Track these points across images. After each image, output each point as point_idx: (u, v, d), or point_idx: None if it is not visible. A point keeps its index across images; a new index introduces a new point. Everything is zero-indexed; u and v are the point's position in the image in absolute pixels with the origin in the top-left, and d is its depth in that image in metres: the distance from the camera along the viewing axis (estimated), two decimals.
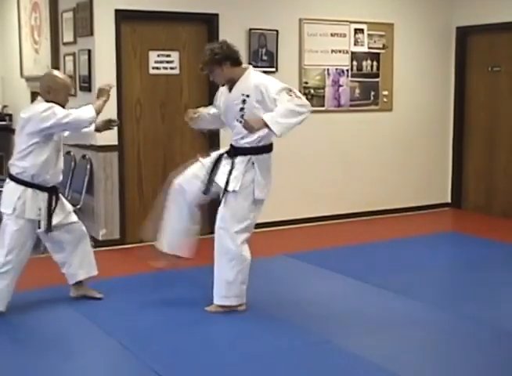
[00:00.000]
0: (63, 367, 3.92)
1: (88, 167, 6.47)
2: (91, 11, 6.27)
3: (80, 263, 4.89)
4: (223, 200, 4.63)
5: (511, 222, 7.63)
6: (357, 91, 7.63)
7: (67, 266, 4.88)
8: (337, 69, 7.47)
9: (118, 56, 6.36)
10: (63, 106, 4.64)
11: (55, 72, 4.94)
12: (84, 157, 6.55)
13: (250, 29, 6.90)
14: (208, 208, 5.19)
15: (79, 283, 4.96)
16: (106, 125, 5.00)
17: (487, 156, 8.06)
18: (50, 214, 4.65)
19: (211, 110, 4.92)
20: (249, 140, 4.60)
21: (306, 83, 7.28)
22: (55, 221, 4.69)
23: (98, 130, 4.95)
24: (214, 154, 4.77)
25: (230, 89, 4.65)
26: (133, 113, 6.57)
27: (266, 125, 4.33)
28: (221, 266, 4.67)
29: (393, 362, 3.93)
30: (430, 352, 4.10)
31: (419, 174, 8.17)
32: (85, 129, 4.78)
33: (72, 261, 4.86)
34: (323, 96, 7.40)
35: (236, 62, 4.64)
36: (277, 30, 7.04)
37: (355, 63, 7.58)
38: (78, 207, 6.15)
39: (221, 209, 4.65)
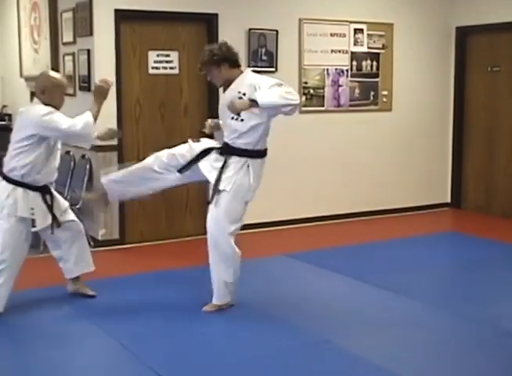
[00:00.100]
0: (63, 367, 3.92)
1: (88, 167, 6.46)
2: (90, 11, 6.27)
3: (76, 260, 4.92)
4: (214, 200, 4.62)
5: (511, 222, 7.63)
6: (357, 91, 7.62)
7: (64, 262, 4.92)
8: (336, 69, 7.47)
9: (118, 55, 6.36)
10: (59, 107, 4.65)
11: (50, 72, 4.93)
12: (83, 156, 6.54)
13: (250, 29, 6.90)
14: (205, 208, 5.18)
15: (75, 279, 5.00)
16: (109, 136, 5.00)
17: (487, 156, 8.06)
18: (52, 211, 4.68)
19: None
20: (245, 141, 4.59)
21: (306, 83, 7.28)
22: (50, 220, 4.70)
23: (99, 138, 4.94)
24: (206, 144, 4.71)
25: (225, 90, 4.67)
26: (132, 113, 6.56)
27: (251, 101, 4.31)
28: (217, 267, 4.69)
29: (393, 362, 3.92)
30: (430, 352, 4.10)
31: (418, 174, 8.17)
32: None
33: (68, 257, 4.90)
34: (323, 96, 7.40)
35: (235, 64, 4.65)
36: (277, 30, 7.04)
37: (354, 63, 7.57)
38: (78, 207, 6.14)
39: (212, 209, 4.64)
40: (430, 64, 8.12)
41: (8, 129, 8.49)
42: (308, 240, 6.88)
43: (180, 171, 4.67)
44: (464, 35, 8.09)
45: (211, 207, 4.65)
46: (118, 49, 6.35)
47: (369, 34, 7.62)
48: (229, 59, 4.61)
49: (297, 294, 5.16)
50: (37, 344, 4.22)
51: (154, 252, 6.40)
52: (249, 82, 4.53)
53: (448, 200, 8.43)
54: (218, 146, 4.68)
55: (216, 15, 6.72)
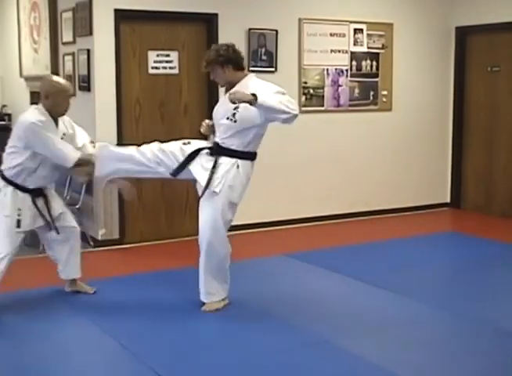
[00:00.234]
0: (63, 367, 3.92)
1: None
2: (90, 11, 6.26)
3: (64, 263, 4.96)
4: (206, 202, 4.61)
5: (510, 221, 7.63)
6: (356, 91, 7.63)
7: (57, 262, 4.97)
8: (336, 69, 7.47)
9: (117, 55, 6.35)
10: (63, 112, 4.66)
11: (54, 77, 4.96)
12: None
13: (250, 29, 6.90)
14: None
15: (72, 280, 5.04)
16: (84, 172, 4.85)
17: (486, 156, 8.06)
18: (42, 215, 4.71)
19: None
20: (236, 142, 4.59)
21: (305, 83, 7.28)
22: (41, 222, 4.75)
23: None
24: (197, 145, 4.69)
25: (227, 91, 4.67)
26: (132, 113, 6.56)
27: (252, 95, 4.30)
28: (214, 268, 4.70)
29: (393, 362, 3.93)
30: (430, 352, 4.10)
31: (418, 174, 8.17)
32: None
33: (60, 259, 4.95)
34: (323, 96, 7.40)
35: (239, 67, 4.67)
36: (276, 30, 7.04)
37: (354, 62, 7.57)
38: (77, 207, 6.15)
39: (205, 210, 4.64)
40: (430, 64, 8.12)
41: (7, 129, 8.50)
42: (307, 240, 6.88)
43: (173, 174, 4.68)
44: (464, 35, 8.09)
45: (202, 208, 4.64)
46: (118, 49, 6.35)
47: (368, 34, 7.62)
48: (234, 62, 4.63)
49: (296, 294, 5.16)
50: (36, 344, 4.22)
51: (154, 252, 6.40)
52: (252, 86, 4.52)
53: (448, 200, 8.44)
54: (208, 146, 4.67)
55: (216, 15, 6.73)
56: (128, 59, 6.47)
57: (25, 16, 7.91)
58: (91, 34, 6.31)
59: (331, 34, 7.40)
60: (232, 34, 6.53)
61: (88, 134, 5.07)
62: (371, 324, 4.54)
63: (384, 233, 7.18)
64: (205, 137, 5.00)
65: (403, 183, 8.06)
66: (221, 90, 4.86)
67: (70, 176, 6.57)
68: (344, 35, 7.48)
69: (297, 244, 6.69)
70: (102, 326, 4.48)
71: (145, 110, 6.63)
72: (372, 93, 7.72)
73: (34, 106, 4.76)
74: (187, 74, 6.74)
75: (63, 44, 6.95)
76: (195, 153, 4.63)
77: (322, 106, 7.41)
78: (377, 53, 7.71)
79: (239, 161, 4.61)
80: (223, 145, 4.61)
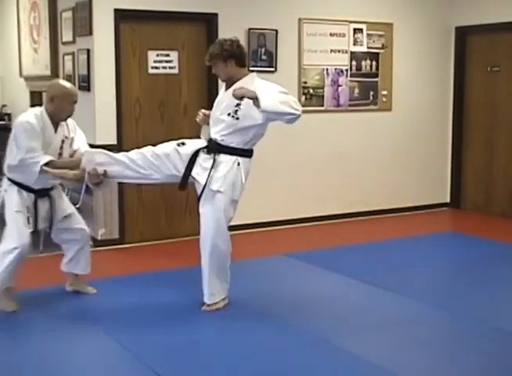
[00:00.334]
0: (62, 367, 3.92)
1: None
2: (90, 10, 6.26)
3: (70, 259, 4.97)
4: (207, 201, 4.60)
5: (510, 221, 7.64)
6: (356, 91, 7.62)
7: (65, 256, 5.00)
8: (336, 69, 7.47)
9: (117, 55, 6.35)
10: (66, 116, 4.68)
11: (60, 81, 4.99)
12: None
13: (250, 29, 6.90)
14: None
15: (74, 278, 5.05)
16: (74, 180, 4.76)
17: (486, 156, 8.06)
18: (35, 216, 4.71)
19: None
20: (236, 140, 4.59)
21: (305, 83, 7.28)
22: (45, 223, 4.77)
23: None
24: (192, 146, 4.65)
25: (227, 87, 4.67)
26: (132, 113, 6.56)
27: (255, 98, 4.30)
28: (217, 267, 4.70)
29: (393, 362, 3.93)
30: (430, 352, 4.10)
31: (418, 174, 8.17)
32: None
33: (69, 254, 4.97)
34: (322, 96, 7.40)
35: (242, 63, 4.68)
36: (276, 30, 7.04)
37: (354, 62, 7.57)
38: (77, 206, 6.14)
39: (207, 210, 4.62)
40: (430, 64, 8.12)
41: (7, 129, 8.50)
42: (307, 240, 6.88)
43: (181, 187, 4.67)
44: (464, 35, 8.09)
45: (206, 210, 4.62)
46: (118, 49, 6.35)
47: (368, 34, 7.62)
48: (238, 57, 4.64)
49: (296, 294, 5.16)
50: (36, 344, 4.22)
51: (154, 252, 6.40)
52: (255, 85, 4.51)
53: (448, 200, 8.44)
54: (203, 145, 4.65)
55: (216, 14, 6.72)
56: (127, 58, 6.47)
57: (25, 16, 7.91)
58: (91, 33, 6.30)
59: (331, 34, 7.40)
60: (231, 33, 6.44)
61: (88, 134, 5.08)
62: (371, 324, 4.54)
63: (384, 233, 7.18)
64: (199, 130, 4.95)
65: (403, 183, 8.06)
66: (221, 88, 4.85)
67: None
68: (343, 35, 7.48)
69: (297, 243, 6.69)
70: (102, 326, 4.48)
71: (145, 109, 6.63)
72: (372, 93, 7.72)
73: (34, 108, 4.77)
74: (187, 73, 6.74)
75: (63, 44, 6.95)
76: (194, 157, 4.62)
77: (322, 106, 7.41)
78: (377, 53, 7.71)
79: (240, 159, 4.61)
80: (222, 142, 4.60)
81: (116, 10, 6.29)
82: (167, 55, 6.64)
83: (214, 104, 4.77)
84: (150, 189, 6.64)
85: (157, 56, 6.59)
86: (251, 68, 6.66)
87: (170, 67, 6.67)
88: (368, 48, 7.64)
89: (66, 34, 6.81)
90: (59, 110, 4.62)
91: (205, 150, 4.62)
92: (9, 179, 4.69)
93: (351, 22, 7.50)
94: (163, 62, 6.63)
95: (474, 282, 5.50)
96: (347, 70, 7.54)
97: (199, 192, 4.66)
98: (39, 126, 4.56)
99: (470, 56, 8.13)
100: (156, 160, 4.61)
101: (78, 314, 4.71)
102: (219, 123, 4.62)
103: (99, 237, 6.43)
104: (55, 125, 4.69)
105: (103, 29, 6.28)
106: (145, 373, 3.81)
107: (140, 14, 6.44)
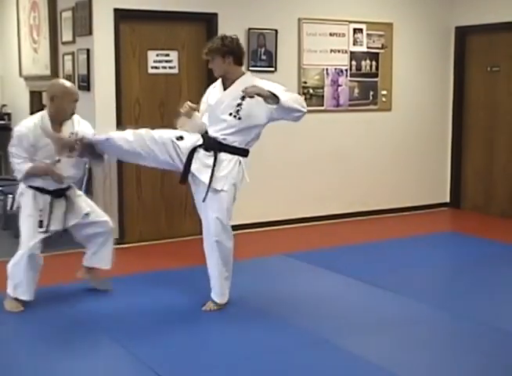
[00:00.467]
0: (63, 367, 3.92)
1: (87, 166, 6.44)
2: (90, 10, 6.26)
3: (91, 253, 5.04)
4: (210, 200, 4.59)
5: (510, 221, 7.64)
6: (356, 90, 7.63)
7: (87, 251, 5.09)
8: (335, 69, 7.47)
9: (117, 55, 6.35)
10: (67, 115, 4.71)
11: (60, 80, 5.05)
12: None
13: (249, 28, 6.90)
14: None
15: (91, 271, 5.12)
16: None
17: (486, 156, 8.07)
18: (49, 216, 4.75)
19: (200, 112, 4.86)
20: (239, 139, 4.59)
21: (305, 83, 7.28)
22: (72, 222, 4.85)
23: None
24: (189, 141, 4.62)
25: (226, 87, 4.67)
26: (132, 113, 6.56)
27: (268, 95, 4.34)
28: (225, 263, 4.70)
29: (392, 362, 3.93)
30: (430, 352, 4.10)
31: (418, 174, 8.17)
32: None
33: (91, 248, 5.05)
34: (322, 96, 7.40)
35: (239, 61, 4.69)
36: (276, 30, 7.04)
37: (354, 62, 7.57)
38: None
39: (210, 211, 4.61)
40: (430, 64, 8.12)
41: (7, 129, 8.50)
42: (306, 239, 6.88)
43: (182, 182, 4.68)
44: (464, 35, 8.10)
45: (209, 211, 4.61)
46: (118, 49, 6.35)
47: (368, 34, 7.62)
48: (236, 55, 4.66)
49: (295, 294, 5.16)
50: (34, 343, 4.22)
51: (153, 252, 6.40)
52: (255, 84, 4.52)
53: (448, 199, 8.44)
54: (200, 142, 4.63)
55: (216, 14, 6.72)
56: (127, 58, 6.47)
57: (25, 16, 7.90)
58: (90, 33, 6.30)
59: (331, 34, 7.40)
60: (231, 33, 6.51)
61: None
62: (371, 324, 4.54)
63: (384, 232, 7.18)
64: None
65: (403, 183, 8.06)
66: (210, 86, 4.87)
67: None
68: (343, 35, 7.48)
69: (297, 243, 6.69)
70: (102, 326, 4.48)
71: (144, 109, 6.63)
72: (371, 93, 7.72)
73: (36, 114, 4.82)
74: (187, 73, 6.74)
75: (63, 43, 6.95)
76: (192, 153, 4.61)
77: (322, 105, 7.41)
78: (377, 53, 7.71)
79: (241, 158, 4.63)
80: (224, 141, 4.60)
81: (116, 10, 6.29)
82: (167, 55, 6.64)
83: (208, 101, 4.75)
84: (150, 189, 6.65)
85: (157, 55, 6.59)
86: (251, 68, 6.70)
87: (170, 67, 6.67)
88: (368, 48, 7.64)
89: (66, 34, 6.81)
90: (60, 109, 4.65)
91: (203, 146, 4.61)
92: (25, 184, 4.78)
93: (350, 22, 7.50)
94: (163, 62, 6.63)
95: (474, 282, 5.50)
96: (347, 70, 7.54)
97: (194, 188, 4.69)
98: (33, 130, 4.64)
99: (469, 56, 8.13)
100: (153, 145, 4.59)
101: (78, 314, 4.71)
102: (220, 122, 4.62)
103: None
104: (60, 125, 4.72)
105: (103, 29, 6.28)
106: (145, 373, 3.81)
107: (140, 14, 6.44)
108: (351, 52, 7.55)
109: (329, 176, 7.58)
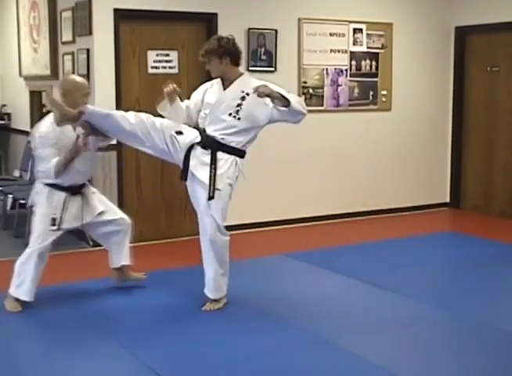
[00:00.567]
0: (63, 367, 3.91)
1: None
2: (89, 10, 6.26)
3: (112, 253, 5.12)
4: (210, 202, 4.60)
5: (510, 221, 7.64)
6: (356, 90, 7.63)
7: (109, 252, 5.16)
8: (335, 69, 7.47)
9: (117, 55, 6.35)
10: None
11: (72, 76, 5.16)
12: None
13: (249, 28, 6.90)
14: None
15: (119, 271, 5.16)
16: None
17: (486, 156, 8.07)
18: (61, 214, 4.78)
19: (185, 102, 4.86)
20: (237, 140, 4.60)
21: (305, 83, 7.28)
22: (86, 220, 4.88)
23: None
24: (188, 136, 4.62)
25: (225, 87, 4.68)
26: None
27: (278, 97, 4.40)
28: (216, 264, 4.71)
29: (392, 362, 3.93)
30: (430, 351, 4.10)
31: (417, 174, 8.17)
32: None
33: (110, 249, 5.13)
34: (322, 96, 7.40)
35: (236, 61, 4.70)
36: (276, 30, 7.04)
37: (353, 62, 7.58)
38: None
39: (210, 211, 4.61)
40: (430, 64, 8.12)
41: (7, 128, 8.51)
42: (306, 239, 6.88)
43: (183, 179, 4.68)
44: (463, 35, 8.10)
45: (210, 209, 4.61)
46: (117, 49, 6.35)
47: (368, 34, 7.62)
48: (233, 55, 4.66)
49: (295, 294, 5.16)
50: (35, 343, 4.22)
51: (153, 252, 6.40)
52: (254, 85, 4.54)
53: (447, 199, 8.44)
54: (198, 139, 4.62)
55: (215, 14, 6.72)
56: (127, 58, 6.47)
57: (24, 16, 7.91)
58: (90, 33, 6.30)
59: (331, 34, 7.40)
60: (231, 33, 6.50)
61: None
62: (371, 324, 4.54)
63: (384, 232, 7.18)
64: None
65: (402, 183, 8.07)
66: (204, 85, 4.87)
67: None
68: (343, 35, 7.48)
69: (296, 243, 6.69)
70: (102, 326, 4.48)
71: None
72: (371, 93, 7.72)
73: (49, 115, 4.82)
74: (187, 73, 6.73)
75: (63, 43, 6.95)
76: (189, 150, 4.62)
77: (322, 105, 7.41)
78: (377, 53, 7.71)
79: (238, 159, 4.64)
80: (222, 141, 4.60)
81: (115, 10, 6.29)
82: (167, 55, 6.64)
83: (206, 100, 4.74)
84: (150, 189, 6.65)
85: (157, 55, 6.59)
86: (251, 68, 6.71)
87: (170, 67, 6.67)
88: (368, 48, 7.64)
89: (66, 34, 6.81)
90: (73, 104, 4.63)
91: (200, 143, 4.61)
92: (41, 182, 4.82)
93: (350, 22, 7.50)
94: (163, 62, 6.63)
95: (474, 282, 5.50)
96: (346, 70, 7.54)
97: (189, 184, 4.69)
98: (51, 130, 4.67)
99: (469, 56, 8.14)
100: (154, 132, 4.60)
101: (77, 313, 4.71)
102: (220, 122, 4.62)
103: None
104: None
105: (103, 29, 6.28)
106: (145, 373, 3.81)
107: (140, 14, 6.44)
108: (351, 52, 7.55)
109: (329, 176, 7.58)
